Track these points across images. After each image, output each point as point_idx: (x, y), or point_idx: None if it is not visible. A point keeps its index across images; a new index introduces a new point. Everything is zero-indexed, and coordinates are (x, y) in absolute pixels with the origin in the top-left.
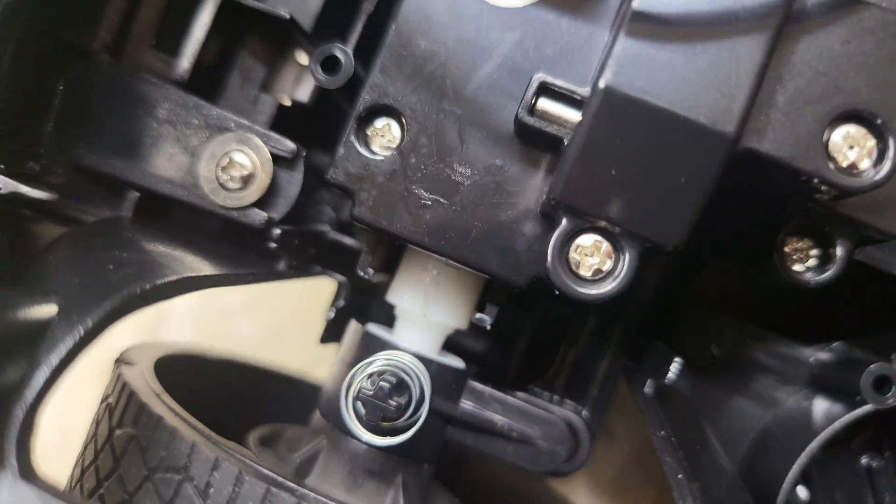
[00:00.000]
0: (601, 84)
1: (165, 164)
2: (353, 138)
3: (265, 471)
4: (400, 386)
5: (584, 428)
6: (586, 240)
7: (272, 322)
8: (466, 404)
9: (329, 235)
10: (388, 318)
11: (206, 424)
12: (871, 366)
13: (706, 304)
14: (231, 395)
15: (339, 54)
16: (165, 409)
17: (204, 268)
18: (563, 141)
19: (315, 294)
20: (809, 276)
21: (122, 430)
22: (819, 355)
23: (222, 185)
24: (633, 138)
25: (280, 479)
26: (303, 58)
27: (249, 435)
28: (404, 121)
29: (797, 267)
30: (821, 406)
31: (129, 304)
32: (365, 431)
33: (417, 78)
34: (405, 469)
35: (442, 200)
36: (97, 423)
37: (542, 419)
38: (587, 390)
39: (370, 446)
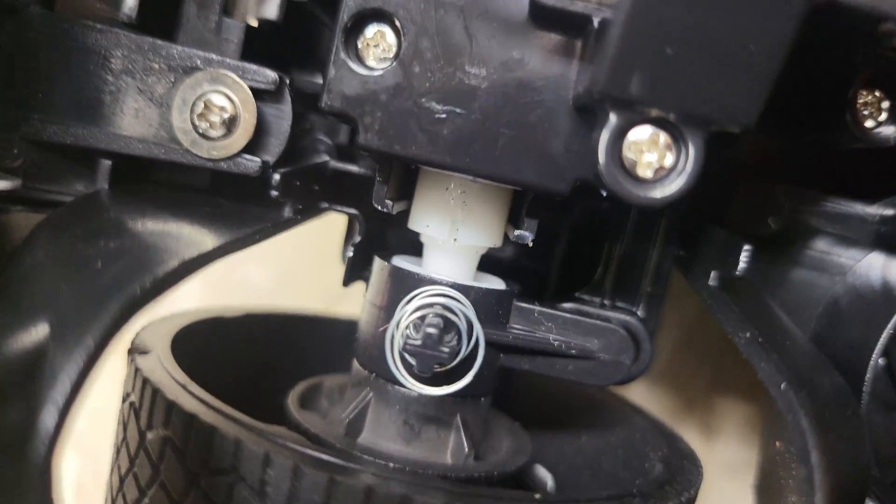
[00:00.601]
0: None
1: (133, 121)
2: (343, 55)
3: (324, 457)
4: (447, 326)
5: (643, 329)
6: (640, 134)
7: (283, 266)
8: (516, 328)
9: (330, 166)
10: (413, 245)
11: (241, 390)
12: None
13: (758, 175)
14: (260, 351)
15: None
16: (197, 404)
17: (204, 239)
18: (590, 19)
19: (325, 230)
20: (885, 131)
21: (154, 433)
22: (885, 211)
23: (203, 135)
24: (688, 6)
25: (341, 463)
26: None
27: (289, 398)
28: (399, 23)
29: (868, 123)
30: (895, 267)
31: (129, 310)
32: (419, 384)
33: None
34: (463, 408)
35: (458, 110)
36: (124, 424)
37: (598, 329)
38: (639, 288)
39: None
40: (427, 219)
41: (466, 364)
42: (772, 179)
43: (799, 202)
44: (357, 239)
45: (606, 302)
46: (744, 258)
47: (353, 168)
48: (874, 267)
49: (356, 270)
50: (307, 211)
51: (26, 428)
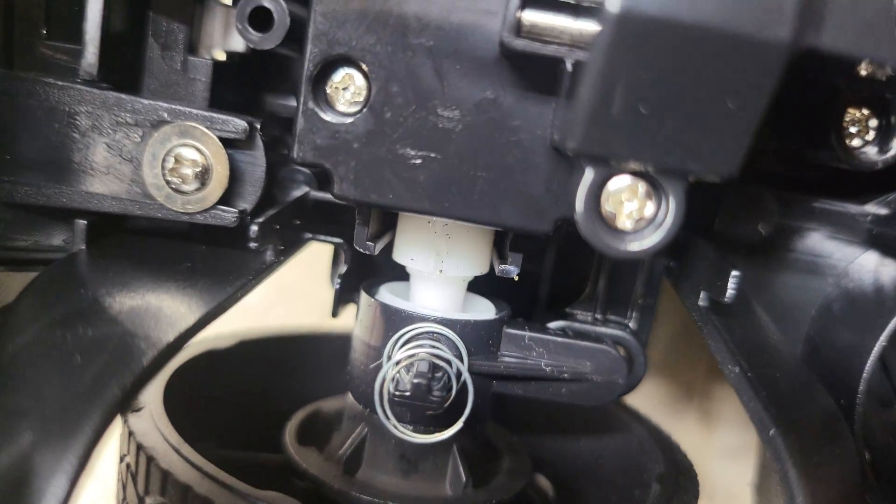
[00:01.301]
0: (611, 8)
1: (105, 179)
2: (311, 104)
3: None
4: (436, 370)
5: (635, 343)
6: (619, 183)
7: (273, 282)
8: (508, 355)
9: (310, 197)
10: (399, 272)
11: (241, 425)
12: None
13: (746, 180)
14: (257, 379)
15: (268, 4)
16: (192, 473)
17: (184, 313)
18: (563, 62)
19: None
20: (870, 152)
21: (153, 500)
22: (878, 211)
23: (176, 190)
24: (662, 66)
25: None
26: None
27: (286, 434)
28: (366, 69)
29: (855, 142)
30: (888, 269)
31: (112, 411)
32: (411, 433)
33: (370, 13)
34: (459, 437)
35: (434, 155)
36: (123, 485)
37: (590, 352)
38: (630, 300)
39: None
40: (411, 252)
41: (458, 405)
42: (762, 184)
43: (788, 206)
44: (343, 268)
45: (598, 316)
46: (734, 285)
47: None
48: (867, 268)
49: (345, 297)
50: (290, 247)
51: None
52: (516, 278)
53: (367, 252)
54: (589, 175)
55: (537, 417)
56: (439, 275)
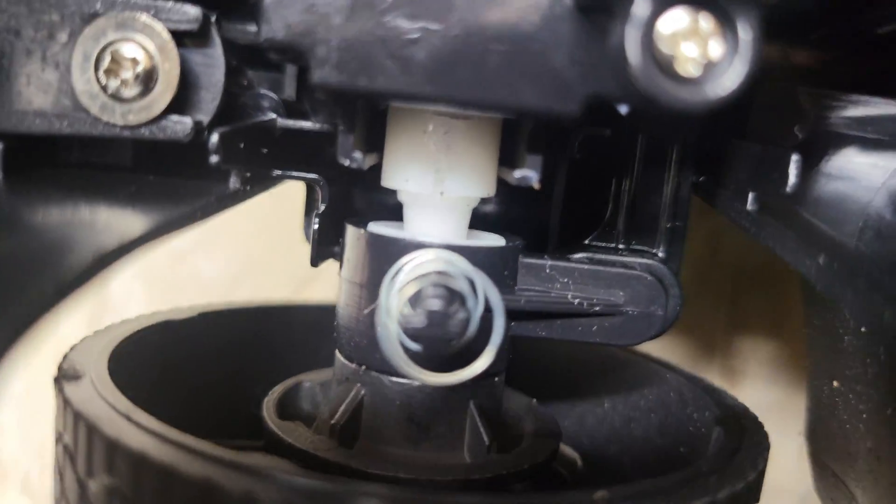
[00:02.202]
0: None
1: (26, 90)
2: None
3: (320, 484)
4: (452, 297)
5: (667, 272)
6: (675, 21)
7: (237, 253)
8: (528, 290)
9: (279, 124)
10: (389, 210)
11: (204, 409)
12: None
13: (779, 80)
14: (222, 356)
15: None
16: (146, 437)
17: (127, 223)
18: None
19: (280, 205)
20: None
21: (97, 482)
22: None
23: (114, 97)
24: None
25: (343, 488)
26: None
27: (264, 408)
28: None
29: None
30: None
31: (25, 323)
32: (430, 374)
33: None
34: (476, 392)
35: (434, 26)
36: (60, 472)
37: (623, 278)
38: (657, 225)
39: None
40: (405, 171)
41: (479, 339)
42: (793, 81)
43: (826, 106)
44: (321, 208)
45: (621, 246)
46: (794, 171)
47: (307, 124)
48: None
49: (325, 246)
50: (257, 181)
51: None
52: (537, 186)
53: (354, 164)
54: (640, 3)
55: (549, 381)
56: (440, 197)
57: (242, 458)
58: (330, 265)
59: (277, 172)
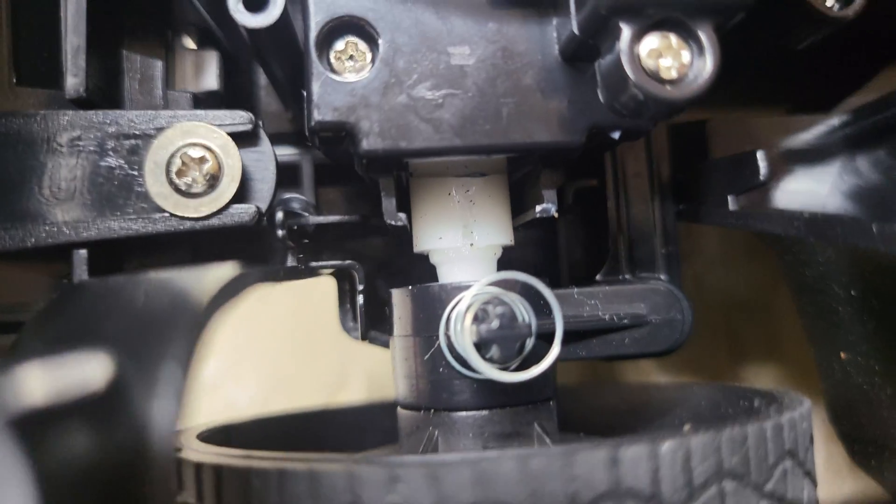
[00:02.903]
0: None
1: (103, 202)
2: (321, 68)
3: (458, 455)
4: (512, 309)
5: (673, 288)
6: (652, 42)
7: (264, 374)
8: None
9: (311, 221)
10: (417, 280)
11: None
12: None
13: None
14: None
15: None
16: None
17: (230, 271)
18: None
19: (298, 325)
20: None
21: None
22: (835, 120)
23: (186, 193)
24: None
25: (479, 455)
26: (188, 42)
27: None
28: (371, 24)
29: (829, 2)
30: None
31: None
32: (509, 373)
33: None
34: (537, 415)
35: (454, 91)
36: None
37: (641, 293)
38: (654, 253)
39: (518, 383)
40: (437, 231)
41: (538, 349)
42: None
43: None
44: (360, 287)
45: (627, 276)
46: (762, 160)
47: (335, 218)
48: (857, 169)
49: (369, 321)
50: (301, 270)
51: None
52: (556, 215)
53: (398, 223)
54: (626, 31)
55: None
56: (470, 249)
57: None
58: (354, 376)
59: (314, 264)
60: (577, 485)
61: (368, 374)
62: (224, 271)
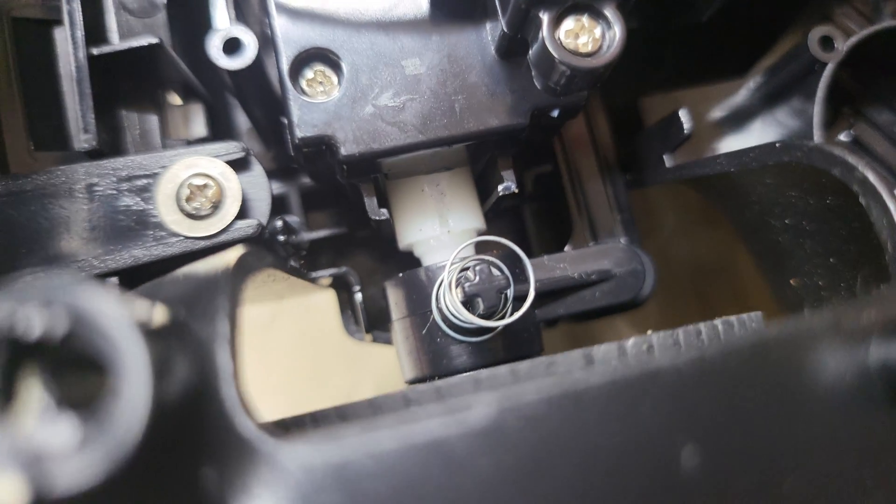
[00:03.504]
0: None
1: (126, 234)
2: (296, 92)
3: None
4: (490, 265)
5: (636, 248)
6: (568, 24)
7: (280, 395)
8: (538, 280)
9: (305, 238)
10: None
11: None
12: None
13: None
14: None
15: (239, 34)
16: None
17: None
18: None
19: (307, 351)
20: None
21: None
22: (752, 82)
23: (195, 217)
24: None
25: None
26: (175, 98)
27: None
28: (334, 51)
29: None
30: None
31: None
32: (492, 322)
33: (318, 14)
34: None
35: (412, 96)
36: None
37: (603, 251)
38: (612, 221)
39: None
40: (416, 224)
41: (521, 300)
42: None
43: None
44: (357, 287)
45: (592, 244)
46: (685, 118)
47: (326, 232)
48: (776, 120)
49: (369, 321)
50: (304, 273)
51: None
52: (516, 190)
53: (381, 217)
54: (546, 18)
55: None
56: (448, 235)
57: None
58: (364, 386)
59: (312, 275)
60: None
61: (377, 384)
62: (234, 251)
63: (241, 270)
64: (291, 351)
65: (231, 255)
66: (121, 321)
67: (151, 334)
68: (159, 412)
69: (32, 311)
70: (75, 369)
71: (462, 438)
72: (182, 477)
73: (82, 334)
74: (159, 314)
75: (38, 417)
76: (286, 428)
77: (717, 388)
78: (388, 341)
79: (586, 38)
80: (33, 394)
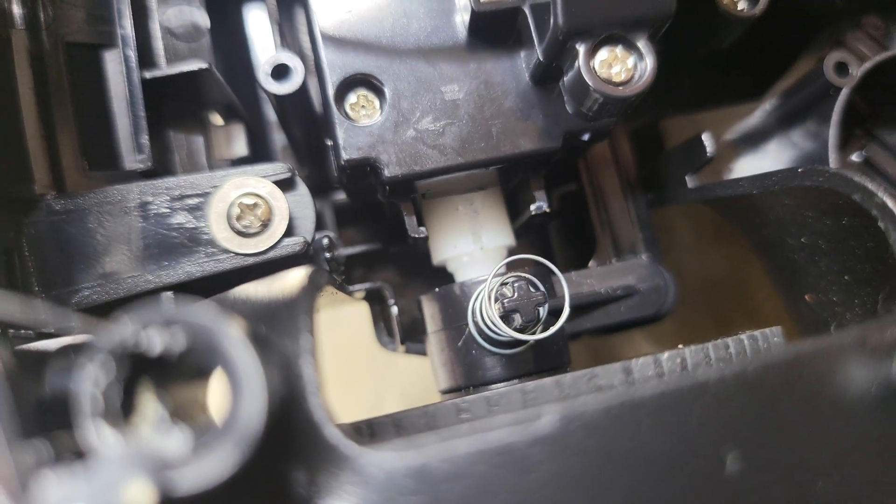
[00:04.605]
0: None
1: (179, 250)
2: (341, 117)
3: None
4: (526, 283)
5: (658, 264)
6: (602, 55)
7: None
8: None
9: (342, 253)
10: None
11: None
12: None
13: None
14: None
15: (287, 61)
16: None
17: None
18: (520, 10)
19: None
20: (745, 6)
21: None
22: (767, 104)
23: (245, 234)
24: None
25: None
26: (217, 119)
27: None
28: (377, 77)
29: (740, 5)
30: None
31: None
32: (528, 336)
33: (361, 42)
34: None
35: (451, 121)
36: None
37: (628, 267)
38: (634, 239)
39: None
40: (452, 241)
41: (550, 324)
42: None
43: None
44: (392, 301)
45: (615, 261)
46: (708, 141)
47: (362, 248)
48: (792, 142)
49: (403, 333)
50: (347, 288)
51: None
52: (548, 209)
53: (420, 235)
54: (581, 49)
55: None
56: (481, 252)
57: None
58: (389, 398)
59: (350, 289)
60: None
61: (403, 394)
62: (302, 270)
63: (313, 288)
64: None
65: (301, 274)
66: (236, 338)
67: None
68: (267, 420)
69: (155, 331)
70: (181, 381)
71: (531, 444)
72: (277, 479)
73: (198, 351)
74: (247, 330)
75: (155, 427)
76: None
77: (757, 399)
78: (421, 352)
79: (619, 67)
80: (150, 406)
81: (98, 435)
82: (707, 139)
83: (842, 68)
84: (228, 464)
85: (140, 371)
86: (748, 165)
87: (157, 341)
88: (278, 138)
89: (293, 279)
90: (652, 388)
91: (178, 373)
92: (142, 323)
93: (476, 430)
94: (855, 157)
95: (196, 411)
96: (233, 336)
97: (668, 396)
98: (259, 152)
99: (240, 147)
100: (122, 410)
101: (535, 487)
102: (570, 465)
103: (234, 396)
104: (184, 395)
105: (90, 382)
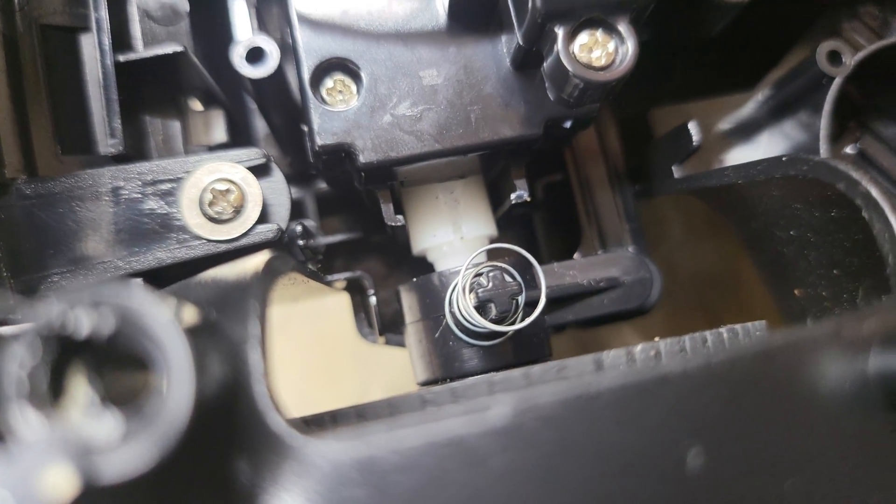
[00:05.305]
0: None
1: (150, 237)
2: (317, 102)
3: None
4: (501, 273)
5: (644, 256)
6: (582, 39)
7: (290, 398)
8: (549, 286)
9: (321, 242)
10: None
11: None
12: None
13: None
14: None
15: (262, 44)
16: None
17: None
18: None
19: (318, 356)
20: None
21: None
22: (760, 95)
23: (217, 221)
24: None
25: None
26: (196, 105)
27: None
28: (353, 61)
29: None
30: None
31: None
32: (504, 327)
33: (339, 25)
34: None
35: (429, 106)
36: None
37: (612, 259)
38: (620, 230)
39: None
40: (430, 230)
41: (532, 306)
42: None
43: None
44: (371, 291)
45: (600, 252)
46: (694, 130)
47: (341, 237)
48: (784, 132)
49: (382, 324)
50: (322, 277)
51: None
52: (529, 198)
53: (397, 223)
54: (560, 32)
55: None
56: (461, 241)
57: None
58: (374, 390)
59: (328, 278)
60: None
61: (387, 386)
62: (261, 255)
63: (270, 274)
64: (304, 352)
65: (259, 260)
66: (165, 321)
67: (189, 334)
68: (198, 407)
69: (82, 312)
70: (117, 367)
71: (481, 437)
72: (216, 469)
73: (128, 334)
74: (193, 315)
75: (85, 412)
76: (309, 425)
77: (723, 393)
78: (401, 344)
79: (600, 52)
80: (80, 390)
81: (21, 418)
82: (693, 128)
83: (835, 57)
84: (154, 451)
85: (71, 354)
86: (739, 157)
87: (84, 322)
88: (260, 125)
89: (250, 265)
90: (610, 379)
91: (112, 357)
92: (69, 303)
93: (427, 419)
94: (849, 150)
95: (134, 397)
96: (161, 318)
97: (627, 389)
98: (240, 139)
99: (219, 133)
100: (49, 393)
101: (487, 481)
102: (523, 458)
103: (162, 382)
104: (122, 381)
105: (15, 363)
